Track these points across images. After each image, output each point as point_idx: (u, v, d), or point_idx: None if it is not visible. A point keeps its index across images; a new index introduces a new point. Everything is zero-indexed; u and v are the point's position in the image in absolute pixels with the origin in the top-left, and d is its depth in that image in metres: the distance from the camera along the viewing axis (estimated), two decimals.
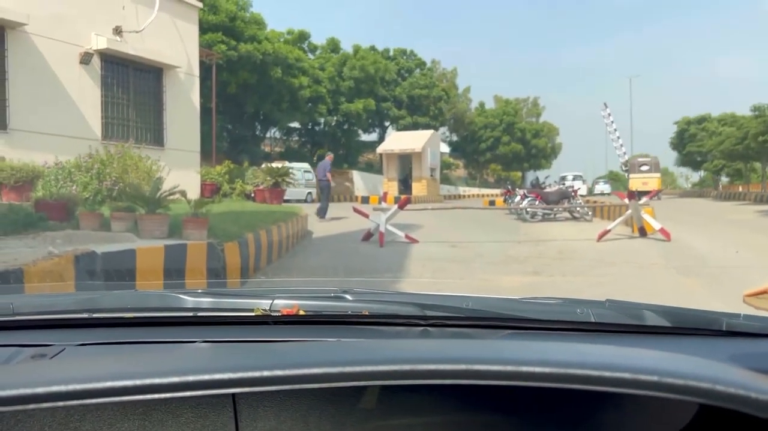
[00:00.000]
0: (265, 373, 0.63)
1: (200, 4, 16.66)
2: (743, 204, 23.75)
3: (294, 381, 0.63)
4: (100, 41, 12.59)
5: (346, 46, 38.23)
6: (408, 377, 0.65)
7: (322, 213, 14.19)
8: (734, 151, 28.38)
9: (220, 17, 26.24)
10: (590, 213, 15.10)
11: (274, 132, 37.48)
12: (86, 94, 12.57)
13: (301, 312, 1.11)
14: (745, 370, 0.75)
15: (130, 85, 13.83)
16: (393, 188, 29.44)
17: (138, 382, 0.62)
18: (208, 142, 19.64)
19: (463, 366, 0.65)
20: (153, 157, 11.00)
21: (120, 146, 10.77)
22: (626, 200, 10.94)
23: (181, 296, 1.17)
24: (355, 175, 32.92)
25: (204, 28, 22.40)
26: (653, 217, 10.40)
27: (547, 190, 17.00)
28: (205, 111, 18.29)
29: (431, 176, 32.26)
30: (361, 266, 7.61)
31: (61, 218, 6.99)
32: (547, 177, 20.33)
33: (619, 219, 10.83)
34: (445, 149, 42.55)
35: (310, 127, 37.43)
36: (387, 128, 42.11)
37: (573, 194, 16.54)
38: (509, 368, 0.64)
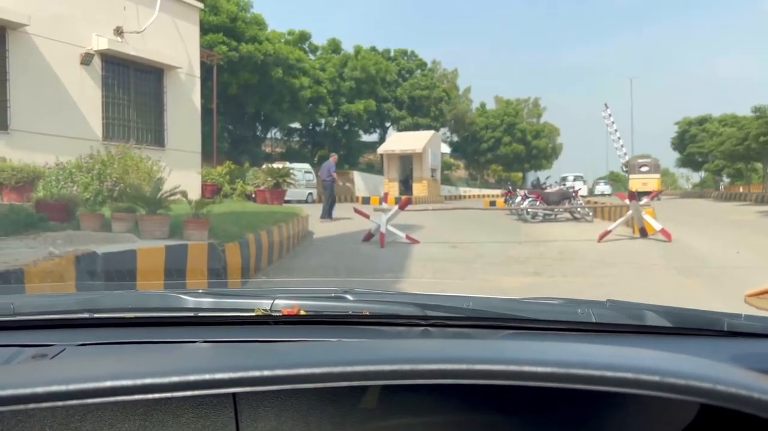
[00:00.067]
0: (266, 373, 0.63)
1: (201, 5, 16.68)
2: (744, 205, 23.73)
3: (295, 381, 0.63)
4: (101, 42, 12.61)
5: (347, 47, 38.29)
6: (409, 377, 0.65)
7: (325, 214, 14.27)
8: (735, 151, 28.38)
9: (221, 18, 26.26)
10: (591, 214, 15.09)
11: (274, 133, 37.51)
12: (87, 94, 12.59)
13: (302, 312, 1.11)
14: (746, 370, 0.75)
15: (131, 85, 13.84)
16: (394, 189, 29.45)
17: (138, 382, 0.62)
18: (209, 142, 19.65)
19: (464, 366, 0.65)
20: (154, 157, 11.01)
21: (121, 147, 10.78)
22: (627, 201, 10.94)
23: (181, 296, 1.17)
24: (356, 175, 32.94)
25: (205, 29, 22.41)
26: (654, 218, 10.40)
27: (548, 190, 17.00)
28: (205, 112, 18.30)
29: (432, 176, 32.28)
30: (361, 267, 7.61)
31: (62, 219, 6.99)
32: (547, 178, 20.34)
33: (620, 220, 10.83)
34: (445, 149, 42.57)
35: (310, 127, 37.44)
36: (388, 128, 42.13)
37: (574, 194, 16.54)
38: (510, 368, 0.64)
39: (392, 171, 31.90)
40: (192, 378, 0.62)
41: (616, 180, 55.78)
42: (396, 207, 10.61)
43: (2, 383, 0.62)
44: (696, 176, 53.56)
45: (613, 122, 51.49)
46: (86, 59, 12.43)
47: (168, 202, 7.24)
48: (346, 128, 37.58)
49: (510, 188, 22.19)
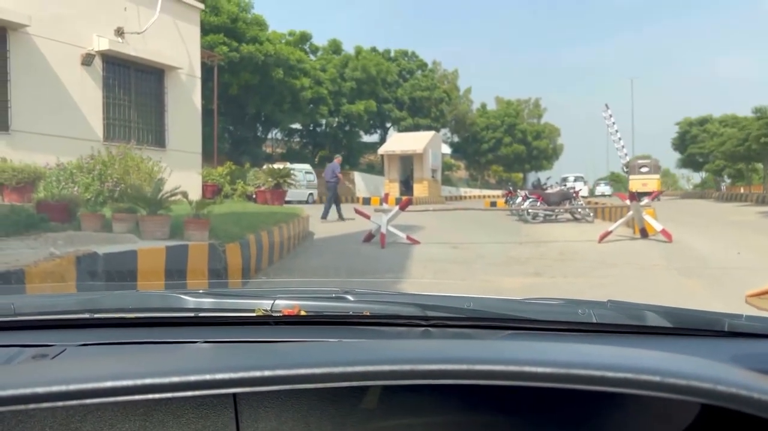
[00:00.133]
0: (267, 373, 0.63)
1: (202, 6, 16.69)
2: (745, 205, 23.73)
3: (295, 381, 0.63)
4: (102, 42, 12.62)
5: (348, 48, 38.31)
6: (409, 377, 0.64)
7: (339, 214, 14.45)
8: (736, 152, 28.36)
9: (222, 18, 26.28)
10: (592, 214, 15.09)
11: (275, 133, 37.53)
12: (88, 95, 12.59)
13: (303, 313, 1.11)
14: (747, 371, 0.75)
15: (132, 86, 13.85)
16: (394, 190, 29.45)
17: (139, 382, 0.62)
18: (210, 143, 19.66)
19: (464, 366, 0.65)
20: (154, 158, 11.01)
21: (121, 147, 10.78)
22: (627, 202, 10.94)
23: (182, 296, 1.17)
24: (357, 176, 32.97)
25: (206, 30, 22.42)
26: (655, 218, 10.40)
27: (549, 191, 17.00)
28: (206, 112, 18.31)
29: (432, 177, 32.28)
30: (362, 267, 7.61)
31: (63, 219, 7.00)
32: (548, 178, 20.34)
33: (621, 220, 10.82)
34: (446, 150, 42.58)
35: (311, 128, 37.45)
36: (388, 129, 42.13)
37: (574, 195, 16.54)
38: (511, 368, 0.64)
39: (393, 172, 31.91)
40: (192, 378, 0.62)
41: (616, 181, 55.80)
42: (397, 208, 10.61)
43: (3, 383, 0.62)
44: (697, 177, 53.57)
45: (613, 123, 51.51)
46: (87, 60, 12.43)
47: (169, 202, 7.24)
48: (347, 128, 37.59)
49: (511, 188, 22.19)
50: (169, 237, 6.63)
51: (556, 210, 15.14)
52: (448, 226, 12.94)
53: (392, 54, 41.58)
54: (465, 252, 9.15)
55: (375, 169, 37.84)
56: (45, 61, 11.63)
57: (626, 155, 49.01)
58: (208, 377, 0.62)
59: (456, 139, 48.94)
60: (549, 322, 1.10)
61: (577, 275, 7.14)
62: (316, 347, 0.83)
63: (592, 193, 42.59)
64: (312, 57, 35.84)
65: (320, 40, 38.18)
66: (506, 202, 20.35)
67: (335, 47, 37.68)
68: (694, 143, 43.11)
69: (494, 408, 0.88)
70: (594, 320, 1.09)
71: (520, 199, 16.98)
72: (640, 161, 36.71)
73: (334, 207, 14.74)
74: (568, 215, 15.42)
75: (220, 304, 1.16)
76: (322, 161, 36.33)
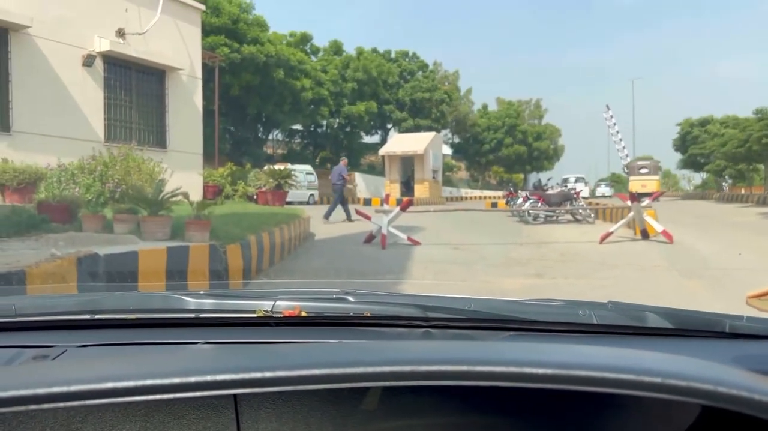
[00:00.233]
0: (267, 374, 0.63)
1: (203, 7, 16.70)
2: (746, 206, 23.71)
3: (296, 382, 0.63)
4: (103, 43, 12.63)
5: (348, 49, 38.34)
6: (410, 378, 0.64)
7: (347, 215, 14.49)
8: (737, 153, 28.35)
9: (223, 20, 26.30)
10: (592, 215, 15.07)
11: (276, 134, 37.55)
12: (89, 96, 12.61)
13: (303, 314, 1.11)
14: (748, 372, 0.75)
15: (133, 87, 13.86)
16: (395, 190, 29.44)
17: (140, 383, 0.62)
18: (211, 144, 19.67)
19: (465, 368, 0.64)
20: (155, 159, 11.03)
21: (123, 148, 10.81)
22: (628, 203, 10.93)
23: (183, 297, 1.17)
24: (358, 177, 32.96)
25: (207, 31, 22.44)
26: (655, 219, 10.39)
27: (550, 192, 16.99)
28: (207, 113, 18.33)
29: (433, 178, 32.27)
30: (363, 268, 7.61)
31: (64, 220, 7.00)
32: (549, 179, 20.31)
33: (622, 221, 10.82)
34: (447, 151, 42.58)
35: (312, 129, 37.48)
36: (389, 130, 42.17)
37: (575, 196, 16.53)
38: (511, 369, 0.64)
39: (394, 173, 31.91)
40: (193, 379, 0.62)
41: (617, 182, 55.81)
42: (397, 209, 10.60)
43: (4, 384, 0.62)
44: (697, 178, 53.56)
45: (614, 124, 51.52)
46: (88, 61, 12.45)
47: (169, 203, 7.24)
48: (348, 129, 37.61)
49: (511, 189, 22.18)
50: (170, 238, 6.63)
51: (557, 211, 15.13)
52: (448, 227, 12.94)
53: (393, 55, 41.62)
54: (466, 253, 9.15)
55: (376, 170, 37.84)
56: (46, 62, 11.65)
57: (627, 156, 49.04)
58: (208, 378, 0.62)
59: (457, 140, 48.95)
60: (550, 323, 1.10)
61: (577, 276, 7.14)
62: (317, 348, 0.83)
63: (593, 194, 42.59)
64: (313, 58, 35.88)
65: (321, 41, 38.38)
66: (507, 203, 20.34)
67: (336, 48, 37.71)
68: (695, 143, 43.10)
69: (495, 410, 0.88)
70: (595, 322, 1.09)
71: (520, 200, 16.97)
72: (639, 163, 36.81)
73: (338, 208, 14.79)
74: (569, 216, 15.41)
75: (220, 305, 1.16)
76: (323, 162, 36.37)
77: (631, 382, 0.62)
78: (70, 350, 1.01)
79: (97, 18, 12.60)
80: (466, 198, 39.74)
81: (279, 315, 1.10)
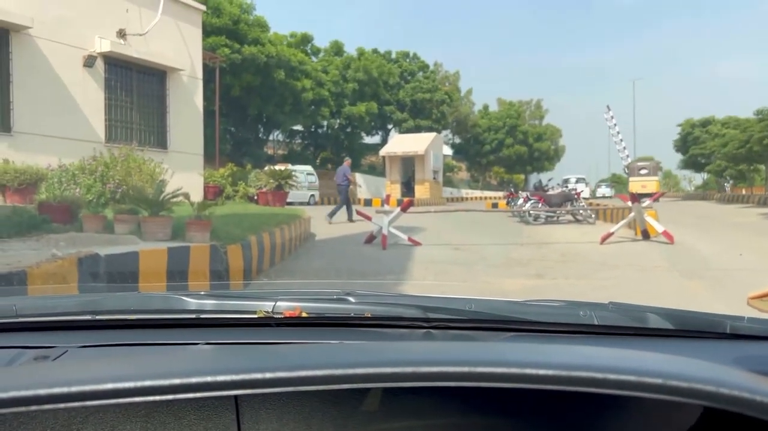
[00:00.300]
0: (268, 375, 0.63)
1: (204, 7, 16.71)
2: (747, 207, 23.70)
3: (296, 383, 0.63)
4: (104, 44, 12.64)
5: (349, 49, 38.37)
6: (410, 379, 0.64)
7: (349, 215, 14.53)
8: (737, 154, 28.34)
9: (224, 20, 26.32)
10: (593, 216, 15.07)
11: (277, 135, 37.58)
12: (90, 97, 12.62)
13: (304, 314, 1.11)
14: (749, 373, 0.74)
15: (134, 88, 13.87)
16: (396, 191, 29.46)
17: (140, 384, 0.62)
18: (212, 144, 19.68)
19: (465, 369, 0.64)
20: (156, 159, 11.04)
21: (123, 149, 10.82)
22: (629, 203, 10.93)
23: (184, 298, 1.17)
24: (358, 177, 32.99)
25: (207, 31, 22.46)
26: (656, 220, 10.39)
27: (550, 192, 16.99)
28: (208, 114, 18.34)
29: (434, 178, 32.29)
30: (363, 269, 7.61)
31: (65, 221, 7.00)
32: (550, 180, 20.32)
33: (622, 222, 10.81)
34: (447, 151, 42.61)
35: (313, 130, 37.50)
36: (390, 130, 42.20)
37: (576, 196, 16.52)
38: (512, 370, 0.64)
39: (394, 173, 31.93)
40: (194, 380, 0.62)
41: (618, 182, 55.80)
42: (398, 209, 10.60)
43: (4, 385, 0.62)
44: (698, 178, 53.55)
45: (615, 124, 51.52)
46: (89, 61, 12.46)
47: (170, 204, 7.24)
48: (349, 130, 37.63)
49: (512, 190, 22.19)
50: (170, 239, 6.63)
51: (558, 212, 15.13)
52: (449, 227, 12.94)
53: (393, 55, 41.64)
54: (466, 254, 9.15)
55: (376, 170, 37.86)
56: (47, 62, 11.66)
57: (628, 156, 49.03)
58: (209, 379, 0.62)
59: (457, 140, 48.97)
60: (551, 324, 1.10)
61: (578, 276, 7.14)
62: (318, 349, 0.83)
63: (593, 194, 42.62)
64: (314, 59, 35.91)
65: (321, 41, 38.40)
66: (508, 203, 20.35)
67: (337, 49, 37.73)
68: (696, 144, 43.11)
69: (496, 411, 0.88)
70: (596, 322, 1.09)
71: (521, 200, 16.98)
72: (639, 164, 36.90)
73: (342, 209, 14.82)
74: (570, 217, 15.41)
75: (221, 305, 1.16)
76: (323, 163, 36.40)
77: (633, 383, 0.62)
78: (70, 350, 1.01)
79: (97, 18, 12.62)
80: (466, 199, 39.75)
81: (280, 316, 1.10)
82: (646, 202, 11.35)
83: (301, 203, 21.20)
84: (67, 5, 11.97)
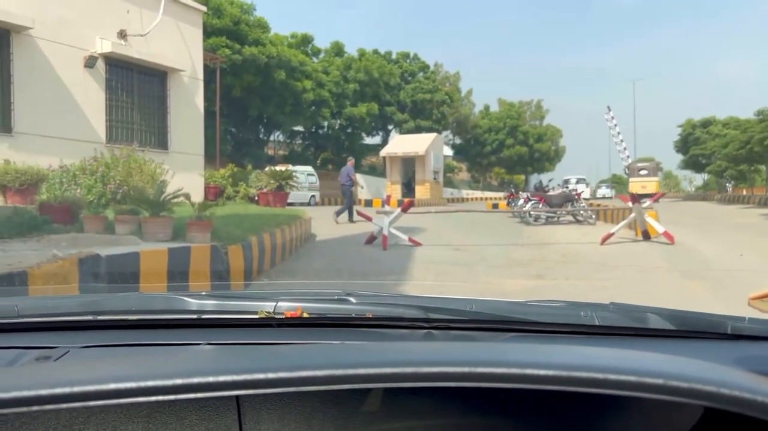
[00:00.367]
0: (269, 375, 0.63)
1: (204, 8, 16.72)
2: (747, 207, 23.68)
3: (298, 383, 0.63)
4: (105, 45, 12.65)
5: (349, 50, 38.38)
6: (411, 379, 0.64)
7: (344, 215, 14.45)
8: (738, 155, 28.32)
9: (225, 21, 26.33)
10: (594, 216, 15.07)
11: (277, 135, 37.59)
12: (91, 97, 12.62)
13: (305, 315, 1.11)
14: (750, 373, 0.74)
15: (135, 88, 13.88)
16: (396, 191, 29.47)
17: (142, 384, 0.62)
18: (212, 145, 19.68)
19: (466, 369, 0.64)
20: (157, 160, 11.03)
21: (124, 150, 10.82)
22: (630, 204, 10.93)
23: (185, 298, 1.17)
24: (359, 178, 32.99)
25: (208, 32, 22.47)
26: (657, 220, 10.38)
27: (551, 193, 16.98)
28: (209, 114, 18.34)
29: (434, 179, 32.28)
30: (364, 269, 7.60)
31: (66, 221, 7.01)
32: (550, 180, 20.32)
33: (623, 222, 10.81)
34: (448, 152, 42.62)
35: (313, 130, 37.51)
36: (390, 131, 42.20)
37: (576, 197, 16.52)
38: (513, 370, 0.64)
39: (395, 174, 31.92)
40: (195, 380, 0.62)
41: (618, 183, 55.78)
42: (398, 210, 10.60)
43: (6, 385, 0.62)
44: (699, 179, 53.52)
45: (615, 125, 51.54)
46: (90, 62, 12.46)
47: (171, 204, 7.24)
48: (349, 130, 37.63)
49: (513, 190, 22.18)
50: (171, 239, 6.63)
51: (558, 212, 15.12)
52: (449, 228, 12.94)
53: (394, 56, 41.64)
54: (467, 254, 9.15)
55: (377, 171, 37.87)
56: (48, 63, 11.66)
57: (628, 157, 49.05)
58: (211, 379, 0.62)
59: (458, 141, 48.96)
60: (551, 324, 1.10)
61: (579, 277, 7.13)
62: (319, 349, 0.83)
63: (594, 195, 42.61)
64: (314, 59, 35.91)
65: (322, 42, 38.37)
66: (508, 204, 20.34)
67: (337, 49, 37.74)
68: (697, 144, 43.09)
69: (496, 411, 0.88)
70: (597, 323, 1.09)
71: (522, 201, 16.97)
72: (639, 164, 36.96)
73: (345, 208, 14.84)
74: (570, 217, 15.41)
75: (222, 306, 1.16)
76: (324, 163, 36.41)
77: (634, 383, 0.62)
78: (72, 351, 1.01)
79: (98, 19, 12.62)
80: (467, 199, 39.75)
81: (281, 316, 1.10)
82: (647, 202, 11.35)
83: (302, 204, 21.20)
84: (68, 6, 11.98)
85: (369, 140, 41.64)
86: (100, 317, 1.13)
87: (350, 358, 0.70)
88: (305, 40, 35.47)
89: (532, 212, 15.02)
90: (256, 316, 1.11)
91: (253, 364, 0.68)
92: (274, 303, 1.11)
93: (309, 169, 26.47)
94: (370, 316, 1.11)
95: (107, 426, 0.83)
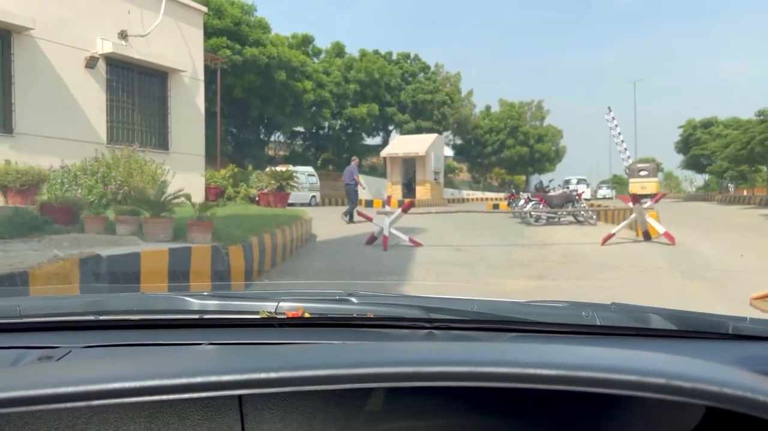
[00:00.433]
0: (271, 375, 0.63)
1: (205, 9, 16.73)
2: (748, 208, 23.66)
3: (299, 383, 0.63)
4: (106, 45, 12.65)
5: (349, 51, 38.39)
6: (413, 379, 0.64)
7: (349, 217, 14.44)
8: (739, 155, 28.30)
9: (225, 21, 26.34)
10: (594, 217, 15.07)
11: (278, 136, 37.60)
12: (92, 98, 12.63)
13: (306, 315, 1.11)
14: (752, 373, 0.74)
15: (136, 89, 13.89)
16: (397, 192, 29.48)
17: (144, 384, 0.62)
18: (213, 146, 19.69)
19: (468, 368, 0.64)
20: (158, 160, 11.04)
21: (125, 150, 10.82)
22: (630, 204, 10.93)
23: (186, 298, 1.17)
24: (359, 178, 32.97)
25: (209, 33, 22.48)
26: (657, 221, 10.38)
27: (551, 193, 16.99)
28: (209, 115, 18.34)
29: (435, 179, 32.28)
30: (365, 270, 7.61)
31: (67, 222, 7.01)
32: (551, 181, 20.38)
33: (624, 223, 10.80)
34: (448, 152, 42.62)
35: (314, 131, 37.52)
36: (391, 131, 42.20)
37: (577, 197, 16.52)
38: (516, 370, 0.64)
39: (395, 174, 31.92)
40: (198, 379, 0.62)
41: (619, 183, 55.76)
42: (399, 210, 10.60)
43: (8, 384, 0.62)
44: (700, 179, 53.49)
45: (616, 126, 51.54)
46: (91, 63, 12.47)
47: (172, 205, 7.25)
48: (350, 131, 37.64)
49: (513, 191, 22.18)
50: (172, 239, 6.63)
51: (559, 213, 15.12)
52: (450, 228, 12.94)
53: (395, 57, 41.64)
54: (467, 255, 9.14)
55: (377, 171, 37.87)
56: (49, 64, 11.67)
57: (629, 157, 49.05)
58: (213, 378, 0.62)
59: (458, 141, 48.97)
60: (553, 324, 1.10)
61: (580, 277, 7.13)
62: (321, 349, 0.83)
63: (594, 195, 42.62)
64: (315, 60, 35.91)
65: (323, 42, 38.37)
66: (509, 204, 20.34)
67: (338, 50, 37.75)
68: (698, 145, 43.06)
69: (498, 411, 0.88)
70: (598, 323, 1.08)
71: (522, 201, 16.97)
72: (639, 165, 37.00)
73: (350, 208, 14.84)
74: (571, 218, 15.41)
75: (224, 306, 1.16)
76: (324, 164, 36.42)
77: (636, 383, 0.62)
78: (74, 351, 1.01)
79: (99, 20, 12.63)
80: (467, 200, 39.75)
81: (282, 316, 1.10)
82: (647, 203, 11.35)
83: (303, 204, 21.21)
84: (69, 6, 11.99)
85: (369, 141, 41.70)
86: (102, 318, 1.13)
87: (352, 358, 0.71)
88: (306, 41, 35.48)
89: (532, 213, 15.02)
90: (258, 316, 1.11)
91: (255, 364, 0.68)
92: (276, 303, 1.11)
93: (309, 169, 26.47)
94: (372, 316, 1.11)
95: (109, 426, 0.83)
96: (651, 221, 10.33)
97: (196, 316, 1.13)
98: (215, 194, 16.08)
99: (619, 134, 51.29)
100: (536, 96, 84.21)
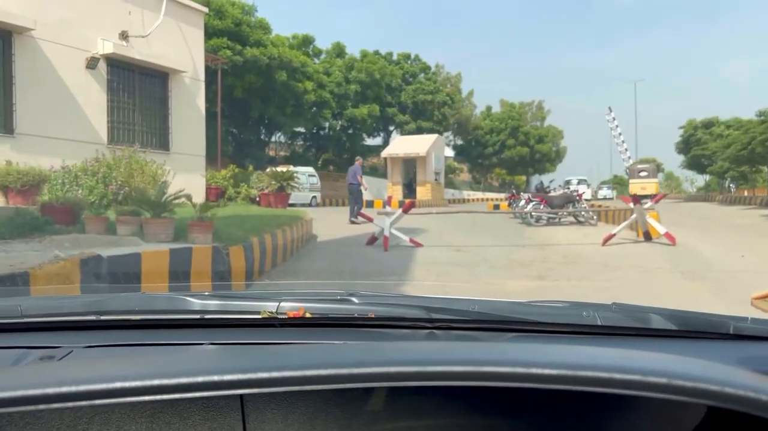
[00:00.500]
0: (273, 374, 0.63)
1: (206, 9, 16.74)
2: (748, 208, 23.65)
3: (301, 383, 0.63)
4: (107, 46, 12.67)
5: (350, 51, 38.39)
6: (415, 379, 0.64)
7: (353, 216, 14.46)
8: (740, 156, 28.28)
9: (226, 22, 26.35)
10: (595, 217, 15.07)
11: (278, 136, 37.61)
12: (92, 98, 12.64)
13: (308, 315, 1.11)
14: (754, 373, 0.75)
15: (136, 89, 13.90)
16: (397, 192, 29.48)
17: (146, 383, 0.62)
18: (214, 146, 19.69)
19: (470, 368, 0.64)
20: (158, 161, 11.04)
21: (126, 150, 10.82)
22: (631, 205, 10.93)
23: (188, 298, 1.17)
24: (362, 179, 32.96)
25: (210, 33, 22.49)
26: (658, 221, 10.37)
27: (552, 194, 16.99)
28: (210, 115, 18.35)
29: (435, 180, 32.28)
30: (366, 270, 7.61)
31: (67, 222, 7.01)
32: (551, 181, 20.36)
33: (624, 223, 10.80)
34: (449, 153, 42.62)
35: (314, 131, 37.52)
36: (391, 132, 42.21)
37: (577, 198, 16.52)
38: (518, 370, 0.64)
39: (396, 175, 31.93)
40: (199, 379, 0.62)
41: (619, 184, 55.75)
42: (399, 211, 10.60)
43: (10, 384, 0.62)
44: (700, 179, 53.46)
45: (617, 126, 51.54)
46: (92, 63, 12.48)
47: (172, 205, 7.25)
48: (350, 131, 37.64)
49: (514, 191, 22.17)
50: (172, 240, 6.64)
51: (560, 213, 15.12)
52: (451, 229, 12.94)
53: (395, 57, 41.64)
54: (468, 255, 9.14)
55: (378, 172, 37.88)
56: (50, 64, 11.68)
57: (629, 158, 49.05)
58: (215, 378, 0.62)
59: (459, 142, 48.98)
60: (554, 324, 1.10)
61: (580, 278, 7.13)
62: (322, 349, 0.83)
63: (595, 196, 42.62)
64: (315, 60, 35.92)
65: (323, 43, 38.38)
66: (509, 205, 20.34)
67: (339, 51, 37.75)
68: (699, 145, 43.04)
69: (498, 411, 0.88)
70: (599, 323, 1.09)
71: (523, 202, 16.96)
72: (639, 166, 37.03)
73: (354, 207, 14.86)
74: (572, 218, 15.40)
75: (225, 306, 1.16)
76: (325, 164, 36.42)
77: (638, 383, 0.62)
78: (76, 350, 1.01)
79: (100, 20, 12.64)
80: (468, 200, 39.75)
81: (284, 316, 1.10)
82: (648, 203, 11.34)
83: (303, 205, 21.22)
84: (70, 7, 12.00)
85: (370, 141, 41.69)
86: (103, 318, 1.14)
87: (353, 357, 0.71)
88: (306, 41, 35.48)
89: (533, 213, 15.01)
90: (259, 316, 1.11)
91: (256, 363, 0.68)
92: (277, 303, 1.11)
93: (310, 170, 26.48)
94: (373, 316, 1.12)
95: (111, 426, 0.83)
96: (652, 221, 10.33)
97: (197, 316, 1.13)
98: (216, 194, 16.09)
99: (620, 134, 51.31)
100: (537, 96, 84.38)
